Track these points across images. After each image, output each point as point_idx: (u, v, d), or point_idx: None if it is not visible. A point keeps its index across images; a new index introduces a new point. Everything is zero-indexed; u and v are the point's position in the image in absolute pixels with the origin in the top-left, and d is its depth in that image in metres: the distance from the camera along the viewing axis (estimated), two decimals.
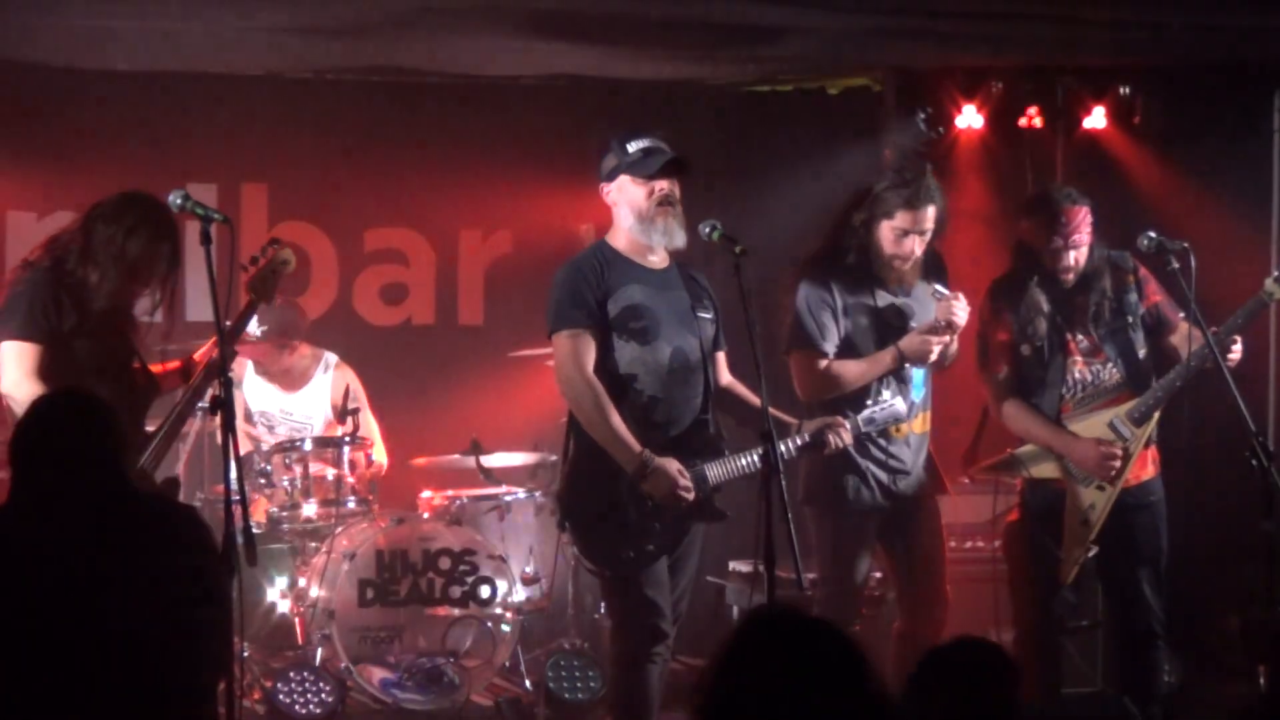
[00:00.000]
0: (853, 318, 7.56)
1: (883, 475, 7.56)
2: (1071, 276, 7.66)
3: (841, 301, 7.57)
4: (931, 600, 7.69)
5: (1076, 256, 7.63)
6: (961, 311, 7.49)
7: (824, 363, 7.53)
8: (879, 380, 7.51)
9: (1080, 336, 7.70)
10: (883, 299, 7.61)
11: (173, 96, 10.26)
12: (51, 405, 5.17)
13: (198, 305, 7.22)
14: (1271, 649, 7.58)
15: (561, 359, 6.96)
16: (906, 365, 7.56)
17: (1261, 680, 8.42)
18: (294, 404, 9.92)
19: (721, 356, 7.27)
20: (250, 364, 9.79)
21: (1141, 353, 7.74)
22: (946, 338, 7.51)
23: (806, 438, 7.07)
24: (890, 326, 7.59)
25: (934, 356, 7.50)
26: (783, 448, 6.80)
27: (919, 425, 7.67)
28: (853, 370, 7.51)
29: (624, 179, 7.02)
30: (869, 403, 7.34)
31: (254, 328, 9.22)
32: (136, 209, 6.83)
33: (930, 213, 7.52)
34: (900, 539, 7.69)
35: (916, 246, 7.55)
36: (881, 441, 7.54)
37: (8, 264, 10.01)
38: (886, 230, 7.53)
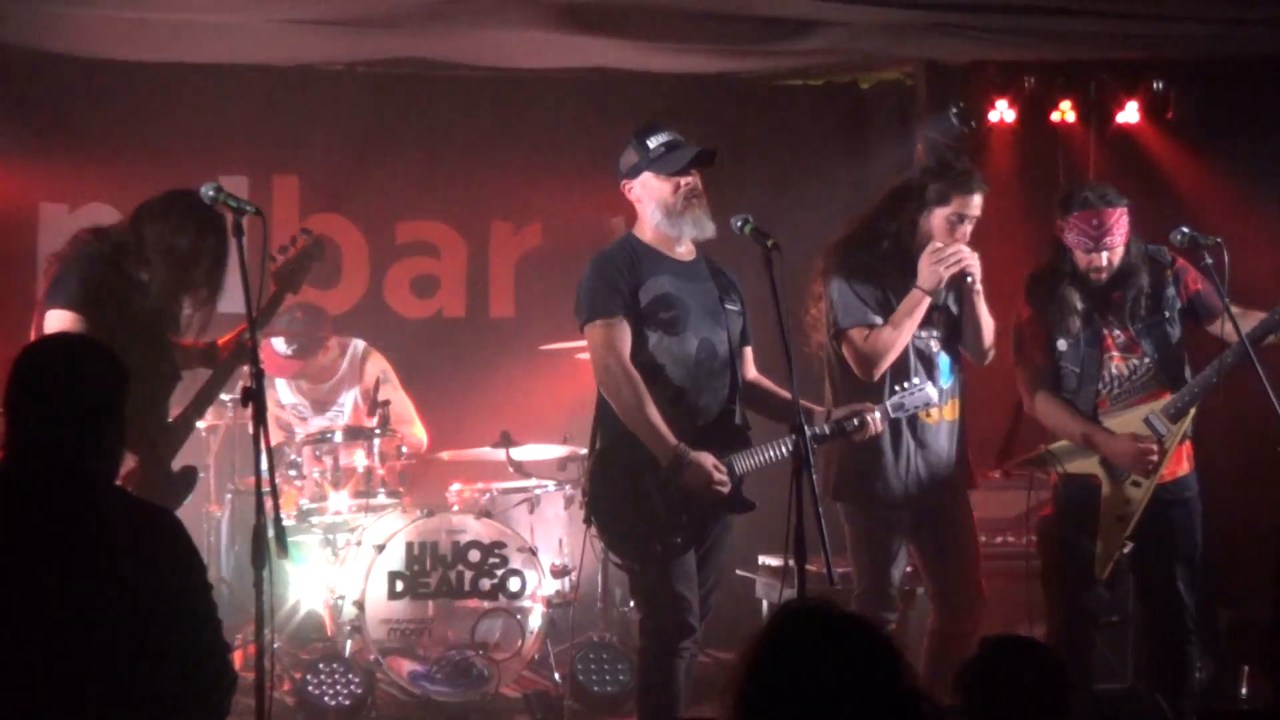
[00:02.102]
0: (893, 306, 7.51)
1: (913, 464, 7.52)
2: (1104, 276, 7.62)
3: (884, 289, 7.53)
4: (966, 596, 7.63)
5: (1109, 257, 7.59)
6: (969, 257, 7.44)
7: (873, 332, 7.46)
8: (911, 363, 7.47)
9: (1117, 331, 7.67)
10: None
11: (204, 89, 10.29)
12: (40, 362, 4.54)
13: (229, 296, 7.25)
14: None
15: (597, 348, 6.94)
16: (936, 347, 7.53)
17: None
18: (324, 394, 9.93)
19: (748, 352, 7.25)
20: (284, 381, 9.84)
21: (1179, 348, 7.71)
22: (951, 249, 7.43)
23: (831, 425, 7.04)
24: (928, 314, 7.55)
25: (946, 269, 7.41)
26: (808, 434, 6.75)
27: (949, 413, 7.63)
28: (891, 324, 7.42)
29: (647, 176, 7.00)
30: (897, 387, 7.31)
31: (284, 347, 9.28)
32: (182, 206, 6.81)
33: (980, 199, 7.49)
34: (932, 533, 7.64)
35: (969, 232, 7.51)
36: (913, 429, 7.50)
37: (40, 254, 10.06)
38: (939, 219, 7.47)
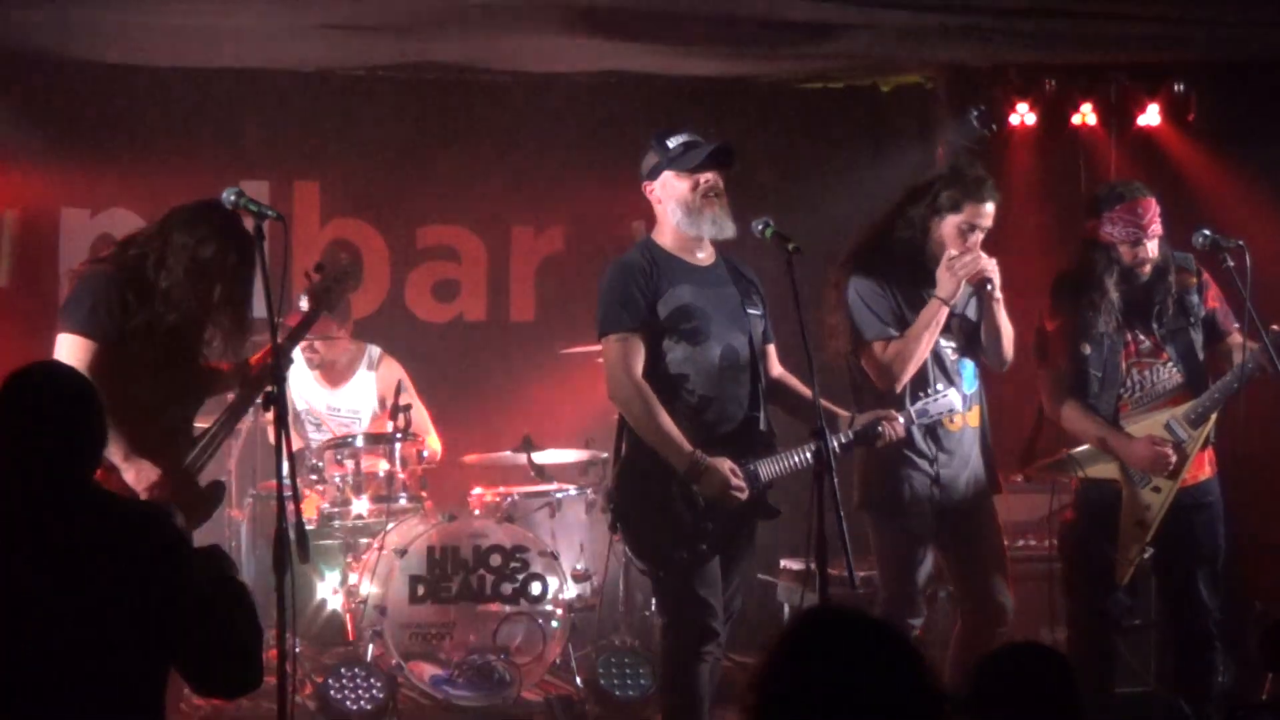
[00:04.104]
0: (909, 314, 7.50)
1: (938, 471, 7.49)
2: (1148, 268, 7.59)
3: (896, 298, 7.51)
4: (993, 602, 7.58)
5: (1152, 248, 7.57)
6: (987, 263, 7.43)
7: (891, 344, 7.45)
8: (931, 371, 7.45)
9: (1141, 336, 7.65)
10: (933, 295, 7.53)
11: (226, 93, 10.31)
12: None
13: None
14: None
15: (610, 362, 6.94)
16: (955, 355, 7.52)
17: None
18: (339, 399, 9.94)
19: (771, 349, 7.23)
20: (300, 354, 9.79)
21: (1201, 354, 7.68)
22: (968, 257, 7.42)
23: (855, 432, 7.02)
24: (946, 321, 7.54)
25: (962, 277, 7.37)
26: (833, 442, 6.74)
27: (973, 419, 7.61)
28: (911, 335, 7.39)
29: (668, 175, 6.99)
30: (921, 394, 7.29)
31: (305, 305, 9.24)
32: (211, 218, 6.75)
33: (992, 208, 7.46)
34: (959, 539, 7.60)
35: (980, 241, 7.49)
36: (936, 436, 7.48)
37: (62, 259, 10.11)
38: (950, 227, 7.44)
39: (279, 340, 6.34)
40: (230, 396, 7.12)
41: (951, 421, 7.45)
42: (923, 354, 7.40)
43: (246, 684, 4.59)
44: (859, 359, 7.51)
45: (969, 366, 7.61)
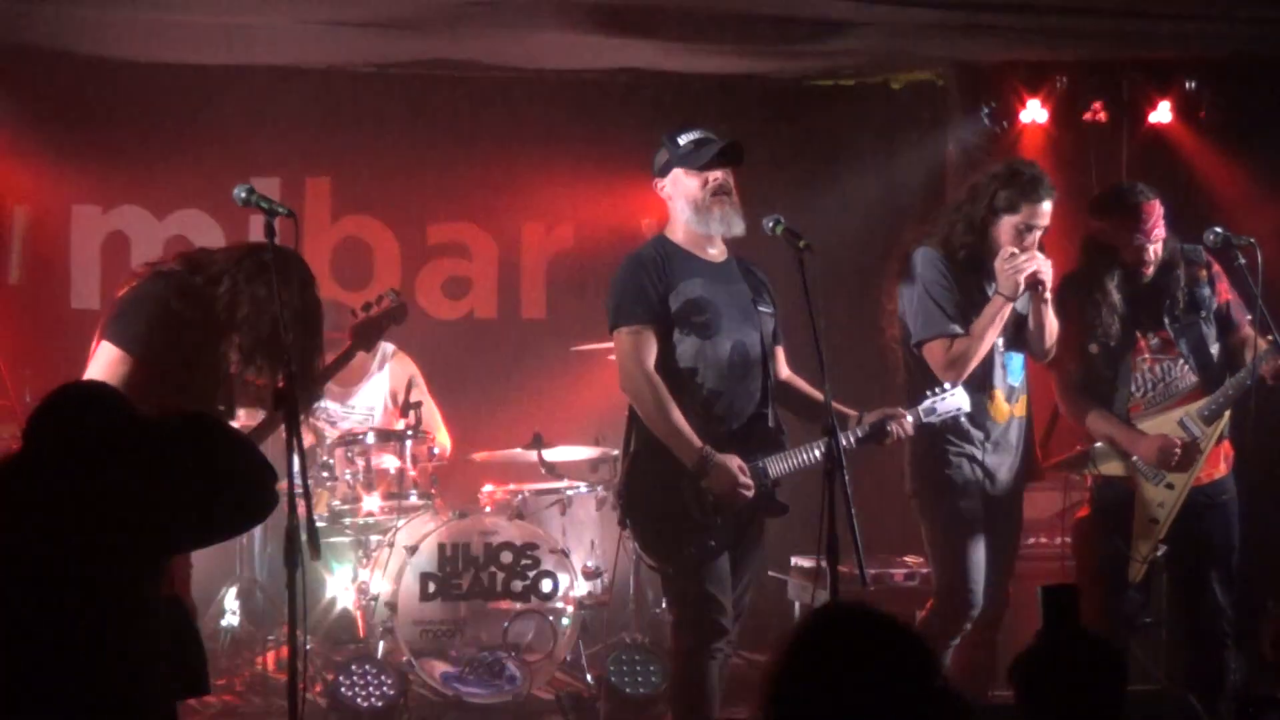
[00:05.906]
0: (970, 310, 7.49)
1: (987, 460, 7.51)
2: (1151, 270, 7.59)
3: (961, 294, 7.50)
4: (996, 598, 7.62)
5: (1156, 250, 7.57)
6: (1043, 263, 7.42)
7: (956, 342, 7.46)
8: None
9: (1151, 334, 7.65)
10: (995, 291, 7.52)
11: (236, 90, 10.30)
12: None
13: None
14: None
15: (623, 355, 6.95)
16: (1003, 346, 7.52)
17: None
18: (354, 398, 9.93)
19: (780, 351, 7.25)
20: None
21: (1214, 349, 7.68)
22: (1025, 255, 7.40)
23: (864, 430, 7.03)
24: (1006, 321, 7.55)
25: (1024, 275, 7.37)
26: (842, 440, 6.73)
27: (1019, 409, 7.63)
28: (976, 333, 7.41)
29: (677, 172, 7.01)
30: (929, 392, 7.29)
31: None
32: (298, 272, 6.49)
33: (1048, 206, 7.46)
34: (990, 528, 7.61)
35: (1037, 240, 7.48)
36: (983, 426, 7.50)
37: (73, 257, 10.11)
38: (1007, 226, 7.44)
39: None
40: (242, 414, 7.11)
41: (998, 414, 7.48)
42: (985, 349, 7.46)
43: (251, 513, 5.13)
44: (919, 349, 7.51)
45: (1016, 359, 7.63)
